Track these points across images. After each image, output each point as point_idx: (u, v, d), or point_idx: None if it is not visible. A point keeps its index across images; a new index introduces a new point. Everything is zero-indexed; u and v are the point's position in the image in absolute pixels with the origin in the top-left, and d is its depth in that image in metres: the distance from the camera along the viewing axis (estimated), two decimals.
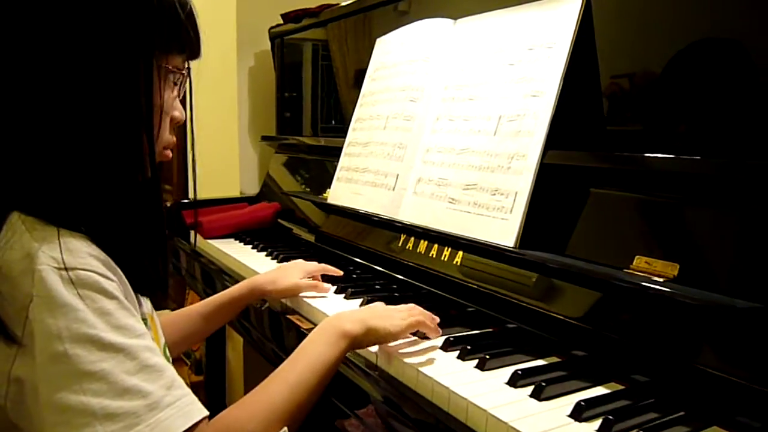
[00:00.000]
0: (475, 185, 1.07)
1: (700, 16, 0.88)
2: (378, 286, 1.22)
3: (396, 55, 1.40)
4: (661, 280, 0.79)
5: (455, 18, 1.27)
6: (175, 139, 0.77)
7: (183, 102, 0.77)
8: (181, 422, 0.60)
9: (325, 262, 1.25)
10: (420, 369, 0.81)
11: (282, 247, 1.56)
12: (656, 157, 0.86)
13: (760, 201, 0.74)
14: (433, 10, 1.36)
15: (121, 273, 0.65)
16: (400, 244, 1.21)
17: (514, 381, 0.76)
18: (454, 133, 1.15)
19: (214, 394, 2.04)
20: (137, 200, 0.68)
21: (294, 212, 1.69)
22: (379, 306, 0.90)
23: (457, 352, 0.86)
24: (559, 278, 0.89)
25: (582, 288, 0.85)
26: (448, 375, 0.79)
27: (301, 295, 1.13)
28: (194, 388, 2.21)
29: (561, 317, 0.87)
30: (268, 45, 2.12)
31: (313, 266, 1.18)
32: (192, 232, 1.69)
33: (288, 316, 1.10)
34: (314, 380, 0.74)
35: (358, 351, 0.89)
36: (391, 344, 0.87)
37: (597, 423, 0.67)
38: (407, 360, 0.84)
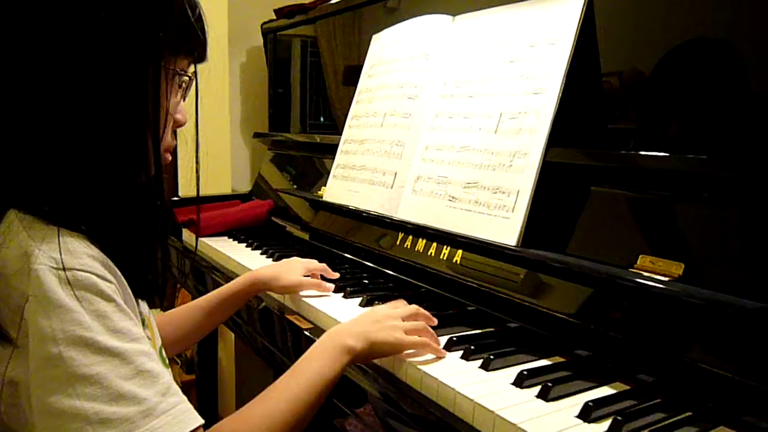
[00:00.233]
0: (476, 183, 1.06)
1: (703, 11, 0.88)
2: (376, 285, 1.21)
3: (393, 51, 1.39)
4: (666, 279, 0.78)
5: (444, 14, 1.27)
6: (175, 142, 0.75)
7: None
8: (176, 430, 0.58)
9: (321, 260, 1.24)
10: (424, 369, 0.80)
11: (276, 245, 1.54)
12: (660, 155, 0.86)
13: (764, 200, 0.74)
14: (423, 7, 1.35)
15: (120, 274, 0.64)
16: (397, 242, 1.20)
17: (521, 381, 0.76)
18: (454, 130, 1.14)
19: (205, 394, 2.02)
20: (139, 201, 0.66)
21: (288, 210, 1.67)
22: (379, 312, 0.87)
23: (461, 352, 0.86)
24: (561, 277, 0.88)
25: (585, 287, 0.85)
26: (453, 375, 0.78)
27: (300, 294, 1.12)
28: (185, 387, 2.20)
29: (564, 317, 0.86)
30: (260, 41, 2.10)
31: (314, 264, 1.17)
32: (185, 230, 1.67)
33: (287, 316, 1.09)
34: (313, 395, 0.73)
35: None
36: None
37: (605, 424, 0.67)
38: (411, 360, 0.83)
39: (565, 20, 0.99)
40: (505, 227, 0.98)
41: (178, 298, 2.27)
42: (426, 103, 1.24)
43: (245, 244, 1.58)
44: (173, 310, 1.05)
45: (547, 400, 0.72)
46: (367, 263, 1.30)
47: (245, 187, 2.18)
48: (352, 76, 1.72)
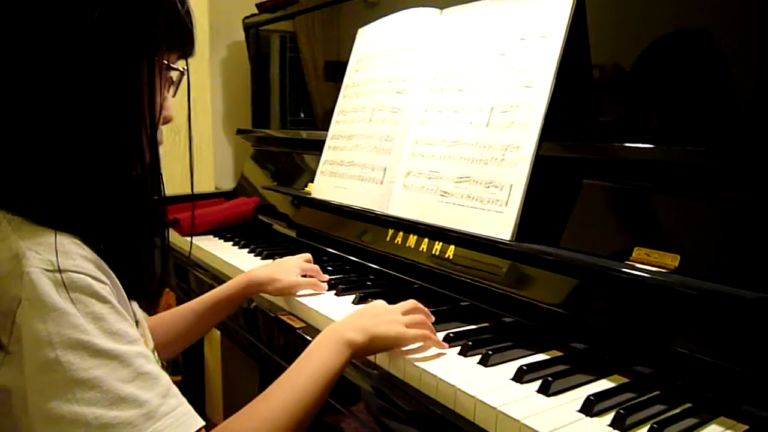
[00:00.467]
0: (468, 178, 1.05)
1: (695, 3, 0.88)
2: (368, 282, 1.20)
3: (380, 45, 1.37)
4: (663, 271, 0.79)
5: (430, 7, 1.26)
6: (163, 138, 0.73)
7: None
8: None
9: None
10: (423, 367, 0.79)
11: (264, 243, 1.52)
12: (654, 147, 0.86)
13: (759, 191, 0.74)
14: (404, 1, 1.34)
15: (113, 275, 0.62)
16: (388, 239, 1.19)
17: (520, 377, 0.75)
18: (444, 124, 1.13)
19: (192, 394, 1.99)
20: (134, 199, 0.64)
21: (275, 207, 1.65)
22: (379, 306, 0.87)
23: (459, 348, 0.85)
24: (556, 271, 0.88)
25: (581, 281, 0.85)
26: (452, 372, 0.77)
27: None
28: None
29: (560, 310, 0.86)
30: (242, 36, 2.07)
31: (308, 264, 1.15)
32: (171, 230, 1.64)
33: (280, 316, 1.07)
34: (317, 391, 0.72)
35: None
36: None
37: (608, 417, 0.67)
38: (408, 357, 0.82)
39: (556, 13, 0.99)
40: (498, 221, 0.97)
41: (162, 297, 2.23)
42: (415, 97, 1.23)
43: (232, 243, 1.56)
44: (164, 312, 1.03)
45: (548, 395, 0.72)
46: (357, 260, 1.29)
47: (228, 184, 2.15)
48: (335, 71, 1.70)
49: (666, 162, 0.85)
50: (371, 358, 0.87)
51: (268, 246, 1.50)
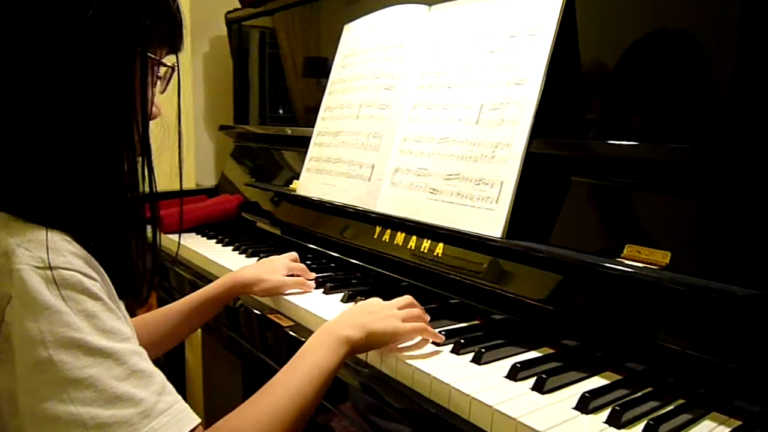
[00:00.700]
0: (457, 175, 1.05)
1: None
2: (356, 280, 1.19)
3: (367, 41, 1.36)
4: (654, 267, 0.79)
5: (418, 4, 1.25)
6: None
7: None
8: (176, 430, 0.56)
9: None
10: (416, 365, 0.79)
11: (248, 241, 1.50)
12: (645, 145, 0.87)
13: (749, 188, 0.75)
14: None
15: (104, 273, 0.61)
16: (376, 236, 1.18)
17: (514, 374, 0.75)
18: (433, 121, 1.13)
19: None
20: (125, 196, 0.63)
21: (258, 205, 1.63)
22: (375, 303, 0.86)
23: (451, 346, 0.84)
24: (548, 269, 0.88)
25: (572, 278, 0.85)
26: (445, 371, 0.77)
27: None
28: None
29: (551, 308, 0.86)
30: (223, 30, 2.04)
31: (295, 263, 1.14)
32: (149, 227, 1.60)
33: (268, 315, 1.06)
34: (314, 388, 0.71)
35: None
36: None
37: (603, 414, 0.67)
38: (401, 355, 0.82)
39: (546, 11, 0.99)
40: (489, 219, 0.97)
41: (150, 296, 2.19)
42: (403, 94, 1.23)
43: (215, 241, 1.54)
44: (147, 314, 1.00)
45: (543, 393, 0.72)
46: (344, 258, 1.28)
47: (210, 181, 2.13)
48: (317, 67, 1.69)
49: (656, 159, 0.85)
50: (362, 356, 0.87)
51: (253, 244, 1.48)
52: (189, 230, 1.63)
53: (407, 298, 0.88)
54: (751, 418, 0.66)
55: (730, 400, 0.69)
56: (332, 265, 1.29)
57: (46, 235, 0.55)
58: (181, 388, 1.98)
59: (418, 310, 0.87)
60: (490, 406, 0.68)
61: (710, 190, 0.79)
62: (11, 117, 0.58)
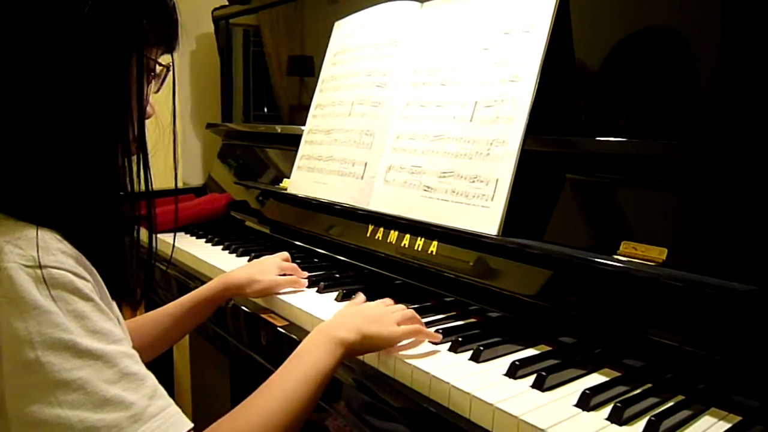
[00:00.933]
0: (452, 173, 1.04)
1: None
2: (349, 278, 1.18)
3: (358, 38, 1.35)
4: (651, 264, 0.79)
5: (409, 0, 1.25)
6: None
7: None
8: None
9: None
10: (414, 364, 0.78)
11: (238, 240, 1.49)
12: (640, 142, 0.87)
13: (746, 184, 0.75)
14: None
15: (96, 272, 0.59)
16: (368, 234, 1.17)
17: (514, 372, 0.75)
18: (427, 119, 1.12)
19: None
20: (120, 196, 0.62)
21: (248, 203, 1.62)
22: (371, 307, 0.85)
23: (448, 345, 0.84)
24: (543, 266, 0.88)
25: (569, 275, 0.85)
26: (444, 369, 0.76)
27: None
28: None
29: (548, 305, 0.86)
30: (210, 27, 2.02)
31: (286, 263, 1.13)
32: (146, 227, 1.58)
33: (261, 315, 1.04)
34: (310, 390, 0.69)
35: None
36: None
37: (604, 411, 0.67)
38: (399, 354, 0.81)
39: (540, 8, 0.99)
40: (485, 216, 0.97)
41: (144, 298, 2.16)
42: (396, 91, 1.22)
43: (204, 240, 1.52)
44: (139, 317, 0.99)
45: (543, 390, 0.71)
46: (337, 256, 1.27)
47: (197, 180, 2.10)
48: (306, 65, 1.68)
49: (650, 156, 0.86)
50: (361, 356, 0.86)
51: (243, 243, 1.47)
52: (178, 229, 1.60)
53: (401, 306, 0.88)
54: (751, 414, 0.66)
55: (729, 396, 0.69)
56: (324, 263, 1.28)
57: (37, 233, 0.54)
58: (169, 389, 1.94)
59: (411, 311, 0.86)
60: (491, 405, 0.68)
61: (705, 186, 0.79)
62: (4, 114, 0.57)
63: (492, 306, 0.96)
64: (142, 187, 0.63)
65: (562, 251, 0.86)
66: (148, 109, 0.68)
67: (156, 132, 0.72)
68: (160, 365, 1.97)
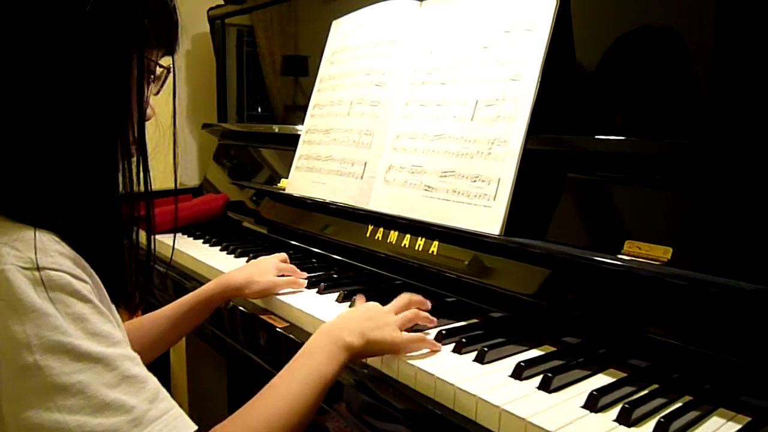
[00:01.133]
0: (453, 172, 1.04)
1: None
2: (349, 279, 1.17)
3: (357, 37, 1.34)
4: (656, 263, 0.78)
5: None
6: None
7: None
8: None
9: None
10: (419, 365, 0.77)
11: (236, 241, 1.48)
12: (644, 141, 0.86)
13: (751, 182, 0.75)
14: None
15: (95, 275, 0.58)
16: (368, 235, 1.16)
17: (519, 373, 0.74)
18: (427, 118, 1.11)
19: None
20: (119, 197, 0.61)
21: (245, 204, 1.60)
22: (373, 308, 0.84)
23: (452, 346, 0.83)
24: (546, 266, 0.87)
25: (572, 275, 0.84)
26: (449, 371, 0.76)
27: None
28: None
29: (551, 305, 0.86)
30: (206, 27, 2.00)
31: (284, 264, 1.12)
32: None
33: (261, 316, 1.03)
34: (313, 394, 0.69)
35: None
36: None
37: (612, 412, 0.66)
38: (404, 358, 0.80)
39: (541, 6, 0.98)
40: (487, 216, 0.96)
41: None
42: (395, 90, 1.21)
43: (202, 240, 1.51)
44: (136, 319, 0.97)
45: (549, 392, 0.71)
46: (336, 257, 1.26)
47: (192, 180, 2.09)
48: (306, 65, 1.67)
49: (655, 155, 0.85)
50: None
51: (241, 243, 1.46)
52: (174, 230, 1.59)
53: (404, 299, 0.87)
54: (760, 414, 0.66)
55: (737, 396, 0.69)
56: (324, 264, 1.27)
57: (35, 235, 0.53)
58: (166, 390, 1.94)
59: (413, 311, 0.86)
60: (498, 407, 0.67)
61: (710, 185, 0.79)
62: (4, 114, 0.56)
63: (494, 306, 0.95)
64: (141, 188, 0.62)
65: (566, 251, 0.86)
66: (148, 110, 0.67)
67: (156, 134, 0.71)
68: (157, 366, 1.95)
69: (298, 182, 1.39)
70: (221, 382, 1.92)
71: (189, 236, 1.56)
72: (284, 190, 1.43)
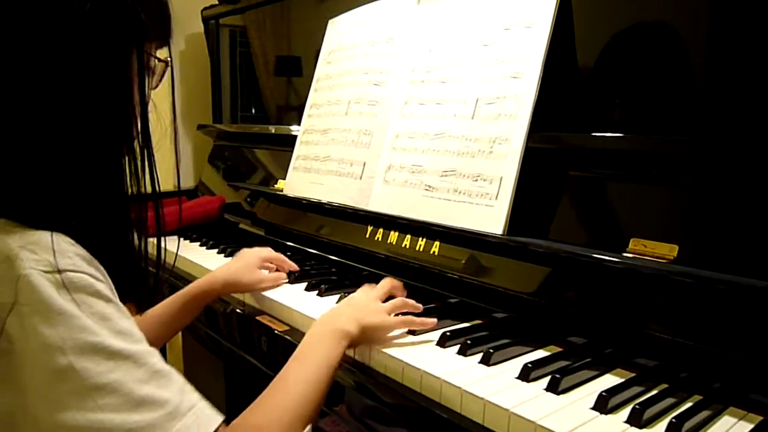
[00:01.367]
0: (454, 171, 1.02)
1: None
2: (349, 281, 1.16)
3: (354, 36, 1.33)
4: (663, 261, 0.78)
5: None
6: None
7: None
8: (203, 429, 0.55)
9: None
10: (424, 369, 0.76)
11: (233, 243, 1.45)
12: (650, 137, 0.85)
13: (758, 178, 0.74)
14: None
15: (107, 275, 0.58)
16: (368, 236, 1.15)
17: (526, 375, 0.73)
18: (427, 117, 1.10)
19: None
20: (128, 195, 0.61)
21: (242, 205, 1.59)
22: (358, 297, 0.89)
23: (457, 347, 0.82)
24: (551, 265, 0.86)
25: (577, 274, 0.83)
26: (455, 373, 0.74)
27: (275, 297, 1.05)
28: None
29: (555, 305, 0.85)
30: (200, 27, 1.98)
31: (267, 253, 1.14)
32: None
33: (258, 318, 1.02)
34: (324, 379, 0.71)
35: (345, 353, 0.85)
36: (385, 348, 0.82)
37: (623, 413, 0.65)
38: (406, 359, 0.79)
39: (542, 2, 0.97)
40: (489, 215, 0.95)
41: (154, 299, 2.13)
42: (394, 89, 1.20)
43: (199, 243, 1.49)
44: None
45: (558, 393, 0.70)
46: (335, 258, 1.25)
47: (188, 182, 2.06)
48: (304, 65, 1.66)
49: (660, 152, 0.84)
50: (365, 360, 0.84)
51: (238, 246, 1.42)
52: (170, 233, 1.57)
53: (386, 286, 0.92)
54: None
55: (747, 395, 0.68)
56: (323, 266, 1.26)
57: (52, 238, 0.53)
58: None
59: (401, 299, 0.90)
60: (507, 410, 0.66)
61: (715, 182, 0.78)
62: (11, 119, 0.55)
63: (498, 307, 0.94)
64: (148, 186, 0.62)
65: (570, 249, 0.85)
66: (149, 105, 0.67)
67: (154, 135, 0.70)
68: None
69: (296, 183, 1.38)
70: (218, 385, 1.90)
71: (185, 239, 1.54)
72: (282, 191, 1.41)
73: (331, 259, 1.26)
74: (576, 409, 0.66)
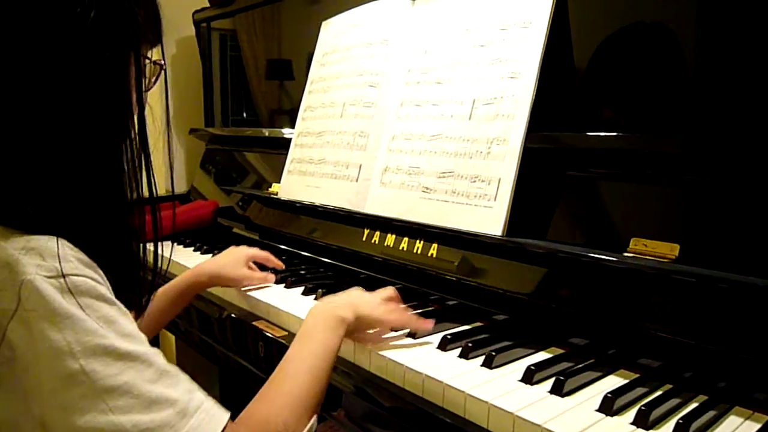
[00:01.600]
0: (451, 172, 1.02)
1: None
2: (347, 284, 1.14)
3: (348, 38, 1.32)
4: (664, 261, 0.77)
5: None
6: None
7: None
8: (214, 426, 0.56)
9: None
10: (426, 372, 0.75)
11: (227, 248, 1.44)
12: (650, 136, 0.85)
13: (759, 177, 0.74)
14: None
15: (106, 278, 0.57)
16: (364, 238, 1.14)
17: (530, 377, 0.72)
18: (423, 118, 1.09)
19: None
20: (126, 199, 0.60)
21: (234, 209, 1.57)
22: (358, 291, 0.89)
23: (458, 351, 0.81)
24: (551, 266, 0.86)
25: (578, 275, 0.82)
26: (457, 377, 0.73)
27: (271, 302, 1.03)
28: None
29: (556, 306, 0.84)
30: (191, 31, 1.97)
31: (255, 251, 1.15)
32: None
33: (255, 324, 1.01)
34: (326, 367, 0.71)
35: (344, 357, 0.85)
36: (385, 352, 0.81)
37: (629, 415, 0.65)
38: (408, 363, 0.78)
39: (538, 2, 0.97)
40: (488, 217, 0.94)
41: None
42: (389, 91, 1.19)
43: (193, 248, 1.47)
44: None
45: (562, 396, 0.69)
46: (331, 261, 1.24)
47: (180, 187, 2.05)
48: (295, 67, 1.65)
49: (660, 151, 0.84)
50: (365, 364, 0.83)
51: None
52: (164, 238, 1.55)
53: (391, 290, 0.91)
54: None
55: (752, 394, 0.67)
56: (321, 269, 1.25)
57: (57, 243, 0.52)
58: None
59: (397, 305, 0.89)
60: (512, 413, 0.65)
61: (716, 180, 0.77)
62: (10, 124, 0.55)
63: (498, 309, 0.93)
64: (145, 189, 0.62)
65: (570, 250, 0.84)
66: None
67: (150, 138, 0.69)
68: None
69: (291, 186, 1.36)
70: (213, 390, 1.88)
71: (178, 244, 1.52)
72: (275, 194, 1.40)
73: (328, 262, 1.25)
74: (581, 411, 0.66)
